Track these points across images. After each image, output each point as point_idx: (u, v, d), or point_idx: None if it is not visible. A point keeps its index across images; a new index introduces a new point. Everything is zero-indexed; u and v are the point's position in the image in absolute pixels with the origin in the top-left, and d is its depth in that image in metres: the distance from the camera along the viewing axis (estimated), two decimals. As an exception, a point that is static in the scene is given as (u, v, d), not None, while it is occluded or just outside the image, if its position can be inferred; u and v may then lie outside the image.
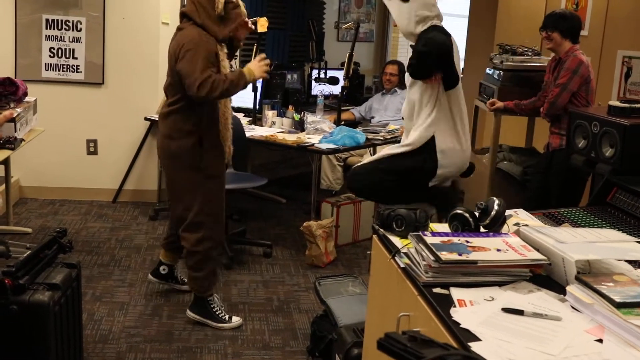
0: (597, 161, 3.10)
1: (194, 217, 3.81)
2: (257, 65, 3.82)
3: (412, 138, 3.74)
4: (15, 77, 4.99)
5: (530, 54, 5.24)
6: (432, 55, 3.56)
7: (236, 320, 3.95)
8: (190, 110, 3.69)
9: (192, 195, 3.79)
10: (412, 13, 3.61)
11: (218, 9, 3.64)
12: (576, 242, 2.01)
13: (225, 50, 3.75)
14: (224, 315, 3.94)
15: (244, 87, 3.76)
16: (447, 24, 3.78)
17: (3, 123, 1.68)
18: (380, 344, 1.20)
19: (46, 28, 5.79)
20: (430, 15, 3.61)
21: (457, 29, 7.14)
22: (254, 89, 5.66)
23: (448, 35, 3.64)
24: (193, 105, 3.66)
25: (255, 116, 5.77)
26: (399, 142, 5.89)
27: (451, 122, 3.71)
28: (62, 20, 5.79)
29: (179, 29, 3.75)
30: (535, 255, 1.95)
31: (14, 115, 4.27)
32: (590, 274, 1.85)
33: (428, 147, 3.69)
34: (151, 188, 6.18)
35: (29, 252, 2.86)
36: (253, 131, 5.39)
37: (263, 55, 3.90)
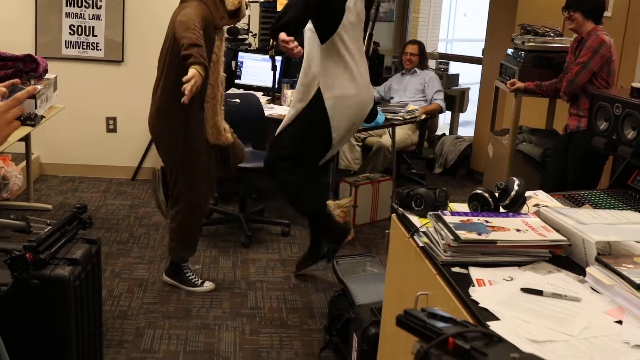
0: (619, 144, 3.07)
1: (172, 190, 3.94)
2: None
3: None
4: (36, 54, 5.01)
5: (552, 34, 5.18)
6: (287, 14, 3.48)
7: (208, 284, 4.13)
8: (176, 86, 3.57)
9: (172, 167, 3.93)
10: None
11: (231, 5, 3.75)
12: (597, 224, 2.00)
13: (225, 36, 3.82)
14: (197, 280, 4.13)
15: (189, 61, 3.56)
16: (469, 4, 3.74)
17: (25, 99, 1.68)
18: (399, 320, 1.20)
19: (66, 5, 5.80)
20: None
21: (479, 9, 7.07)
22: (273, 68, 5.65)
23: None
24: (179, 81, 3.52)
25: (275, 95, 5.76)
26: (417, 122, 5.89)
27: (339, 68, 3.65)
28: (82, -2, 5.81)
29: (182, 1, 3.82)
30: (555, 235, 1.94)
31: (35, 92, 4.29)
32: (610, 256, 1.84)
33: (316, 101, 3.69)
34: (170, 166, 6.19)
35: (50, 227, 2.88)
36: (272, 110, 5.39)
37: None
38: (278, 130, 3.89)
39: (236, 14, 3.86)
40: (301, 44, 3.50)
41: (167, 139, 3.89)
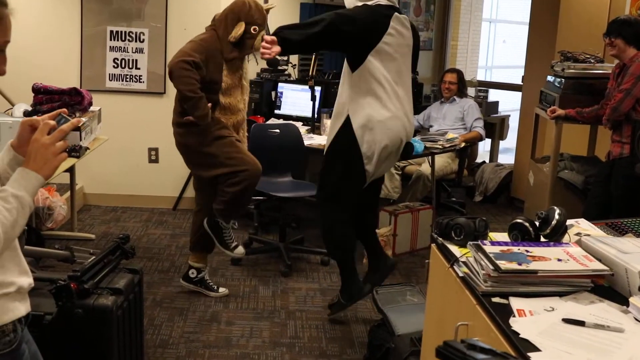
0: (662, 170, 3.03)
1: (228, 179, 4.02)
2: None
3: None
4: (81, 87, 5.13)
5: (592, 61, 5.15)
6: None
7: (239, 250, 4.28)
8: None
9: (213, 166, 4.05)
10: None
11: (232, 37, 3.91)
12: (640, 253, 1.97)
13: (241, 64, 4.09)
14: (233, 242, 4.25)
15: (199, 116, 3.91)
16: (506, 32, 3.73)
17: (70, 131, 1.73)
18: (439, 352, 1.20)
19: (110, 39, 5.95)
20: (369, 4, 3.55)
21: (518, 36, 7.06)
22: (313, 98, 5.70)
23: (382, 14, 3.53)
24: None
25: (314, 125, 5.80)
26: (457, 150, 5.87)
27: (369, 96, 3.60)
28: (125, 32, 5.94)
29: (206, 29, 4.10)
30: (597, 265, 1.92)
31: (80, 124, 4.39)
32: (654, 285, 1.81)
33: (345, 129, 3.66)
34: (211, 196, 6.25)
35: (94, 257, 2.94)
36: (311, 140, 5.42)
37: None
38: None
39: (241, 46, 3.98)
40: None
41: (190, 149, 4.12)
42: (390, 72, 3.60)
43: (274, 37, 3.33)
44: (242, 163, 3.98)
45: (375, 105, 3.58)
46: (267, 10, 4.07)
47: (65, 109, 1.83)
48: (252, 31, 3.93)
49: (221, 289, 4.42)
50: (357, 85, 3.59)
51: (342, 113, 3.65)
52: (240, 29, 3.89)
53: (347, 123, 3.62)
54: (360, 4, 3.56)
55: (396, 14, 3.58)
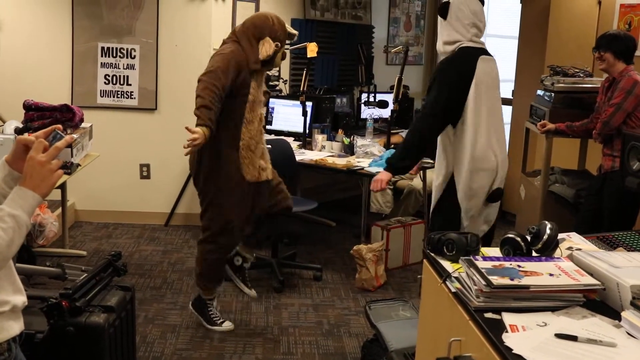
0: (653, 184, 3.05)
1: (202, 219, 4.07)
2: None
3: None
4: (72, 104, 5.13)
5: (581, 75, 5.18)
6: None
7: (227, 325, 4.18)
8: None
9: (203, 199, 4.04)
10: (445, 33, 3.58)
11: (262, 56, 3.87)
12: (631, 267, 1.98)
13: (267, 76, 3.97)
14: (218, 319, 4.19)
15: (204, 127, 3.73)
16: (496, 46, 3.75)
17: (62, 149, 1.74)
18: (431, 369, 1.20)
19: (101, 55, 5.95)
20: (462, 39, 3.54)
21: (507, 50, 7.10)
22: (304, 114, 5.71)
23: (467, 62, 3.51)
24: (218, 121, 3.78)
25: (305, 140, 5.81)
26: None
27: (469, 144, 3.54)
28: (116, 48, 5.94)
29: (224, 41, 4.01)
30: (588, 280, 1.92)
31: (72, 141, 4.39)
32: (646, 300, 1.81)
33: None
34: (202, 211, 6.24)
35: (86, 274, 2.93)
36: (303, 155, 5.43)
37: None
38: None
39: (269, 63, 3.97)
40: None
41: (200, 175, 3.99)
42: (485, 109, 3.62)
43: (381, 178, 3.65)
44: (215, 228, 4.01)
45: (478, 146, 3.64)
46: (291, 35, 4.07)
47: (60, 125, 1.83)
48: (276, 47, 3.93)
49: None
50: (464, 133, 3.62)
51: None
52: (270, 47, 3.86)
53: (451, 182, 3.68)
54: (454, 47, 3.58)
55: None
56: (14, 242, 1.63)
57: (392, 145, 5.84)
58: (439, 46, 3.65)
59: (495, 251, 2.26)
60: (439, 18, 3.61)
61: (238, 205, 3.99)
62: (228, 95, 3.79)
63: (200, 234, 4.12)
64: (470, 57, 3.51)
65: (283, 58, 4.06)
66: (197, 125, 3.61)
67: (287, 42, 4.18)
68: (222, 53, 3.86)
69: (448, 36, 3.56)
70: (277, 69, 6.09)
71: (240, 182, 3.95)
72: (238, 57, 3.83)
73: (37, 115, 4.64)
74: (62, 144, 1.74)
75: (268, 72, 5.65)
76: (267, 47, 3.85)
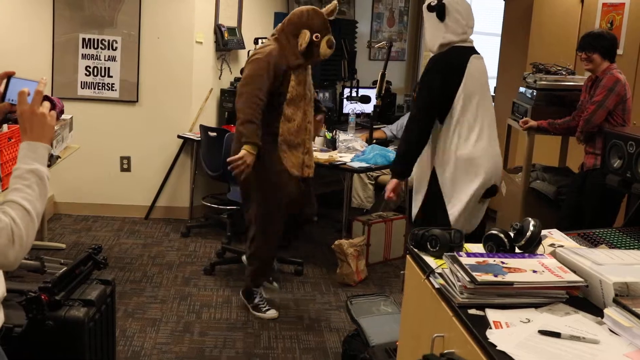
0: (633, 181, 3.06)
1: (246, 213, 4.24)
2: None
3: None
4: (52, 95, 5.08)
5: (564, 73, 5.20)
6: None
7: (271, 313, 4.29)
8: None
9: (250, 198, 4.16)
10: (440, 35, 3.61)
11: (301, 46, 3.95)
12: (614, 264, 1.99)
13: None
14: (264, 306, 4.32)
15: (242, 140, 3.84)
16: (478, 43, 3.77)
17: (43, 91, 1.75)
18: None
19: (82, 47, 5.89)
20: (456, 40, 3.60)
21: (490, 47, 7.11)
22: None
23: (457, 60, 3.58)
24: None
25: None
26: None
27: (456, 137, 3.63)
28: (98, 40, 5.89)
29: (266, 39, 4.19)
30: (571, 277, 1.93)
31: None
32: (628, 297, 1.82)
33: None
34: (183, 205, 6.22)
35: (65, 268, 2.89)
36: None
37: None
38: None
39: (309, 54, 4.01)
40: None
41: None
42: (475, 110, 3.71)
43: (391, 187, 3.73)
44: (260, 220, 4.12)
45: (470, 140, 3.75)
46: (330, 14, 4.08)
47: (13, 71, 1.84)
48: (315, 39, 3.97)
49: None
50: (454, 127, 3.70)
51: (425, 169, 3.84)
52: (305, 36, 3.93)
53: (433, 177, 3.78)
54: (446, 48, 3.64)
55: None
56: (42, 195, 1.65)
57: (374, 141, 5.84)
58: (432, 47, 3.67)
59: (478, 247, 2.26)
60: (433, 19, 3.62)
61: (282, 190, 4.07)
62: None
63: (251, 231, 4.21)
64: (461, 55, 3.59)
65: (330, 47, 4.07)
66: (243, 142, 3.77)
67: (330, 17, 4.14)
68: (257, 58, 3.94)
69: (444, 38, 3.60)
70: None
71: (281, 172, 4.04)
72: (276, 56, 3.93)
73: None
74: (40, 86, 1.76)
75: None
76: (302, 38, 3.95)
